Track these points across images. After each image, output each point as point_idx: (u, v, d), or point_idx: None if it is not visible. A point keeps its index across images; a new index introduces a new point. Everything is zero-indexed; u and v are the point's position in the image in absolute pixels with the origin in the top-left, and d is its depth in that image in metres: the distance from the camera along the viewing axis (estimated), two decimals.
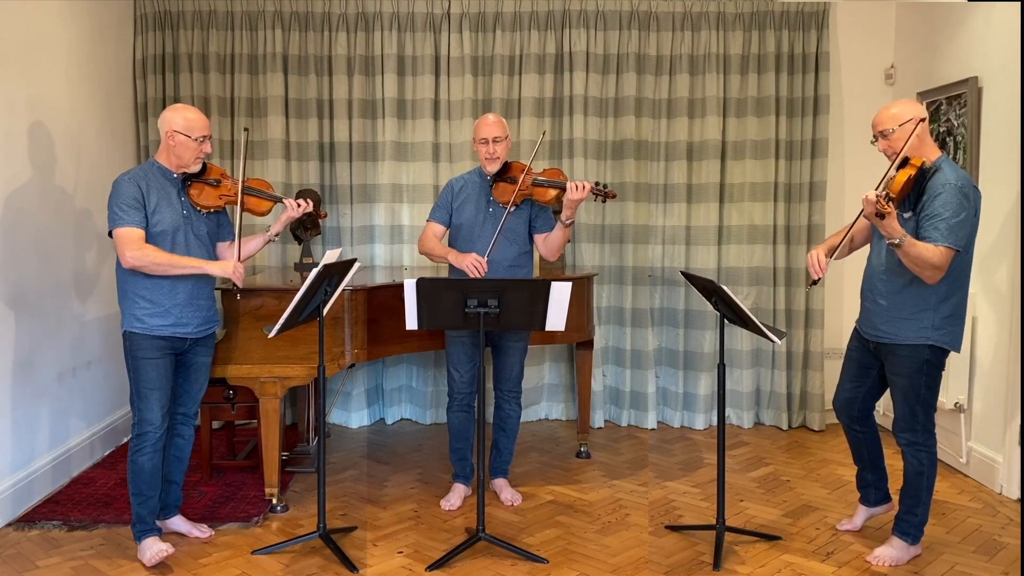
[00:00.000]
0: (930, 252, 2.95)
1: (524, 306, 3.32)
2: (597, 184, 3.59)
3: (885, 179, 3.04)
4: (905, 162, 3.04)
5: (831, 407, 5.11)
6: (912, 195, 3.07)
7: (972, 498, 3.99)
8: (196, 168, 3.34)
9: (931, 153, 3.10)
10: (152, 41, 5.06)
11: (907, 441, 3.22)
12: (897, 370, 3.20)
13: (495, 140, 3.71)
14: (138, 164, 4.77)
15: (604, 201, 3.64)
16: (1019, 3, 3.91)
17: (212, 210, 3.40)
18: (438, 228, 3.84)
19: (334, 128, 5.15)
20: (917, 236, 3.03)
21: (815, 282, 3.18)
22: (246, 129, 3.62)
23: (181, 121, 3.26)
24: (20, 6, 3.83)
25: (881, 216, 2.84)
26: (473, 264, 3.61)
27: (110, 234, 3.21)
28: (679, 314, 5.24)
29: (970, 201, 3.00)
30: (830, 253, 3.22)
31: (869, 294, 3.29)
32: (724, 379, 3.42)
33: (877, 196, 2.83)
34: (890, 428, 3.35)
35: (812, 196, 5.14)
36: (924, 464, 3.21)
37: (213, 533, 3.57)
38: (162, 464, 3.46)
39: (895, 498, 3.49)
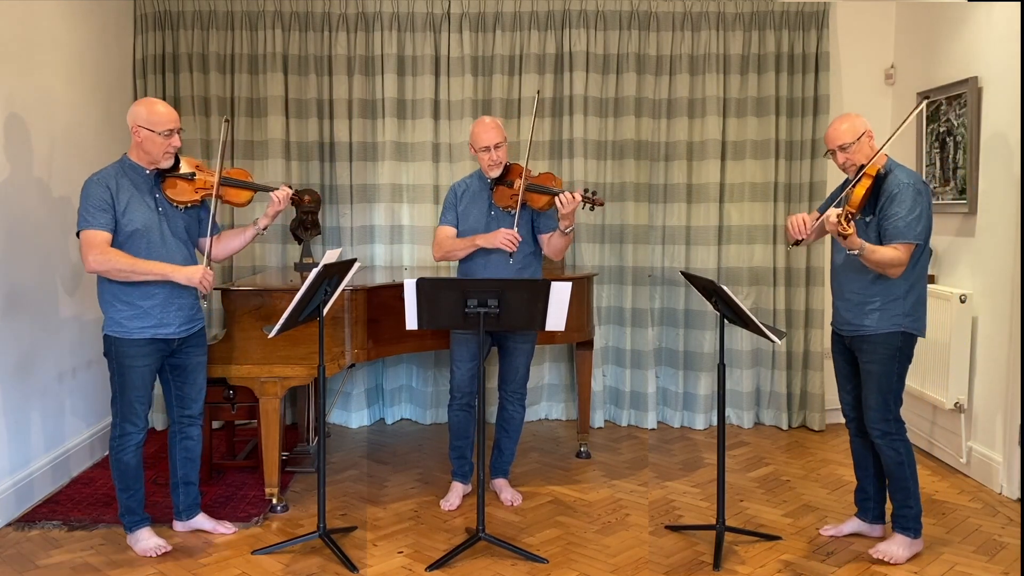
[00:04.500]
0: (890, 253, 3.14)
1: (524, 306, 3.31)
2: (587, 191, 3.58)
3: (845, 194, 3.23)
4: (860, 171, 3.20)
5: (831, 407, 5.17)
6: (871, 200, 3.23)
7: (972, 498, 3.99)
8: (167, 163, 3.24)
9: (879, 158, 3.26)
10: (152, 41, 5.05)
11: (881, 432, 3.28)
12: (871, 358, 3.28)
13: (496, 147, 3.68)
14: None
15: (592, 209, 3.63)
16: (1019, 3, 3.91)
17: (189, 205, 3.31)
18: (451, 230, 3.81)
19: (334, 128, 5.15)
20: (879, 235, 3.21)
21: (797, 243, 3.32)
22: (227, 120, 3.45)
23: (145, 115, 3.16)
24: (20, 6, 3.83)
25: (844, 236, 3.04)
26: (507, 239, 3.59)
27: (78, 235, 3.14)
28: (679, 314, 5.24)
29: (923, 196, 3.19)
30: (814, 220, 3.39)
31: (838, 291, 3.40)
32: (724, 379, 3.42)
33: (839, 217, 3.03)
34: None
35: (812, 196, 5.14)
36: (902, 452, 3.28)
37: (237, 529, 3.57)
38: (176, 467, 3.48)
39: (890, 503, 3.47)
